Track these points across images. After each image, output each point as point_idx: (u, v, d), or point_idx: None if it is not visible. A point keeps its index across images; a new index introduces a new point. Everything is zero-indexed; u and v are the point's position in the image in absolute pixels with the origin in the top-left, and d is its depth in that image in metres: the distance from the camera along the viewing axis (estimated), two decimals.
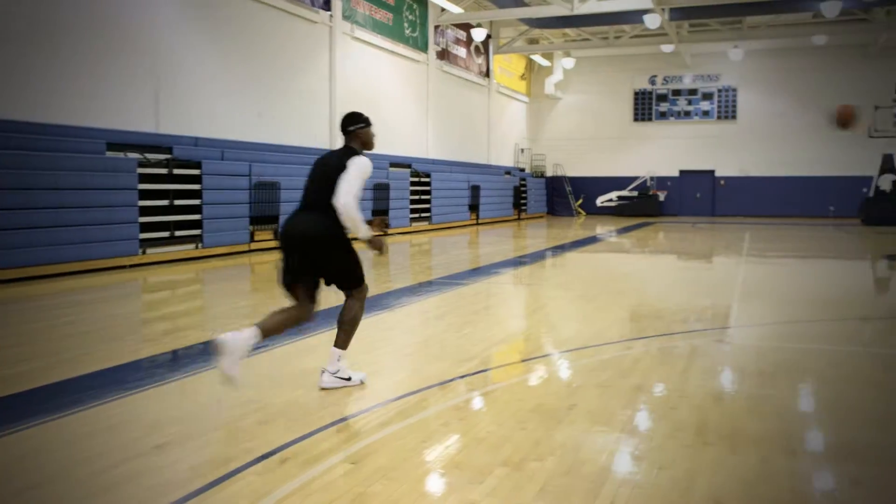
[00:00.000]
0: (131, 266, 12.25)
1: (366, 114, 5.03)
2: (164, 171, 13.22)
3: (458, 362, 5.76)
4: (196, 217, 13.84)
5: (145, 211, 12.67)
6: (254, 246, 15.34)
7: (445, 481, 3.41)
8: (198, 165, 13.89)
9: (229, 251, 14.62)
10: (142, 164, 12.73)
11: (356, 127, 4.91)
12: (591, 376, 5.37)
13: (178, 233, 13.47)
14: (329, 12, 19.09)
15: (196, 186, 13.83)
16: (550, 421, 4.28)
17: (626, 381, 5.21)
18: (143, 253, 12.67)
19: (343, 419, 4.32)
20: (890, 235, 21.99)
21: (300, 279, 4.80)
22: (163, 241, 13.19)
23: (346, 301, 4.95)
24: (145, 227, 12.70)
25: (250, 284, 11.98)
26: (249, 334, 4.53)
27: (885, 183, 26.79)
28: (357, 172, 4.68)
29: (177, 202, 13.42)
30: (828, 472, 3.57)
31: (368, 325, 7.38)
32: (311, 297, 4.88)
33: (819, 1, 23.08)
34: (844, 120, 5.62)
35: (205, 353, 5.76)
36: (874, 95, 28.64)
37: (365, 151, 4.92)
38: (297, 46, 18.24)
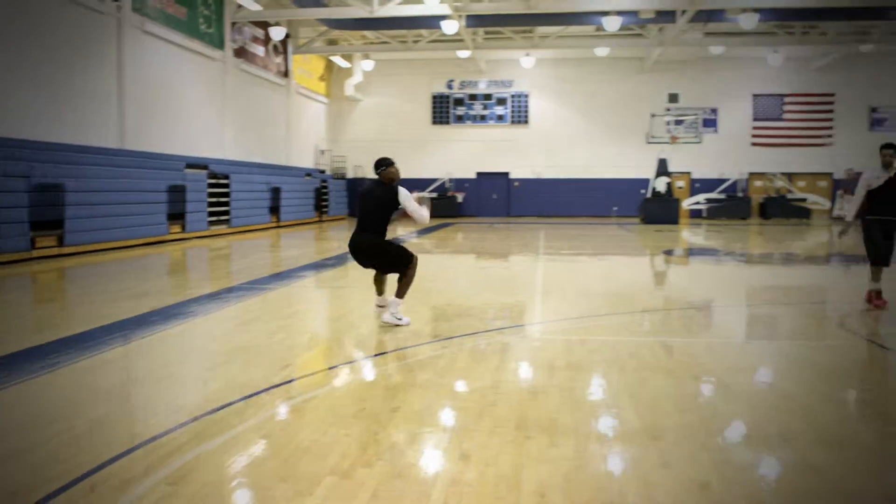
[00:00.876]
0: None
1: (386, 157, 7.66)
2: None
3: (274, 370, 5.59)
4: None
5: None
6: (36, 253, 14.09)
7: (273, 495, 3.28)
8: None
9: (7, 259, 13.33)
10: None
11: (380, 170, 7.60)
12: (411, 377, 5.40)
13: None
14: (117, 3, 17.92)
15: None
16: (375, 425, 4.24)
17: (445, 381, 5.28)
18: None
19: (154, 437, 4.03)
20: (666, 232, 23.95)
21: (371, 267, 7.57)
22: None
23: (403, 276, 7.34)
24: None
25: (31, 296, 10.98)
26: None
27: (660, 185, 29.19)
28: (409, 195, 7.45)
29: None
30: (639, 455, 3.78)
31: (174, 336, 7.00)
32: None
33: (601, 15, 24.72)
34: None
35: None
36: (650, 104, 31.15)
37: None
38: (83, 39, 16.96)
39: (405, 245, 7.76)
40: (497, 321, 7.86)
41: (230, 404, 4.62)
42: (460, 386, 5.15)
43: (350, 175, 35.57)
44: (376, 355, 6.14)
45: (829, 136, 34.05)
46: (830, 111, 34.07)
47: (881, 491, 3.38)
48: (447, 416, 4.46)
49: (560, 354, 6.15)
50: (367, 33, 30.68)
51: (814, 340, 7.35)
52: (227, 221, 22.47)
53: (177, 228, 19.47)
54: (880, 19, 25.14)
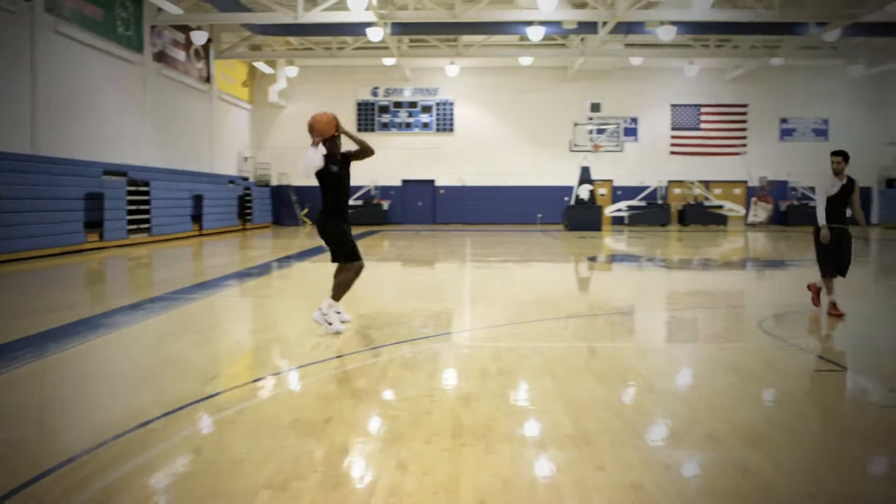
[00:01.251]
0: None
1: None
2: None
3: (201, 382, 5.46)
4: None
5: None
6: None
7: None
8: None
9: None
10: None
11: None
12: (343, 387, 5.35)
13: None
14: (29, 2, 17.27)
15: None
16: (309, 436, 4.18)
17: (378, 390, 5.25)
18: None
19: (73, 458, 3.86)
20: (589, 239, 24.38)
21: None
22: None
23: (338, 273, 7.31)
24: None
25: None
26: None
27: (583, 192, 29.70)
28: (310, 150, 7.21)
29: None
30: (574, 459, 3.82)
31: (93, 350, 6.78)
32: None
33: (525, 25, 25.06)
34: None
35: None
36: (573, 113, 31.66)
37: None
38: None
39: (355, 245, 7.44)
40: (427, 329, 7.85)
41: (156, 419, 4.49)
42: (393, 394, 5.12)
43: (274, 182, 35.08)
44: (306, 365, 6.05)
45: (744, 145, 35.26)
46: (744, 121, 35.30)
47: (804, 489, 3.50)
48: (382, 426, 4.43)
49: (491, 361, 6.18)
50: (292, 39, 30.39)
51: (735, 343, 7.57)
52: (147, 230, 21.88)
53: (94, 237, 18.85)
54: (788, 34, 26.19)
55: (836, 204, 8.50)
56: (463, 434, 4.20)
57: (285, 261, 16.74)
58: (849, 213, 8.64)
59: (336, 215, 7.28)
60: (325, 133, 7.05)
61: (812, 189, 33.79)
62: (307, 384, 5.51)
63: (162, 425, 4.37)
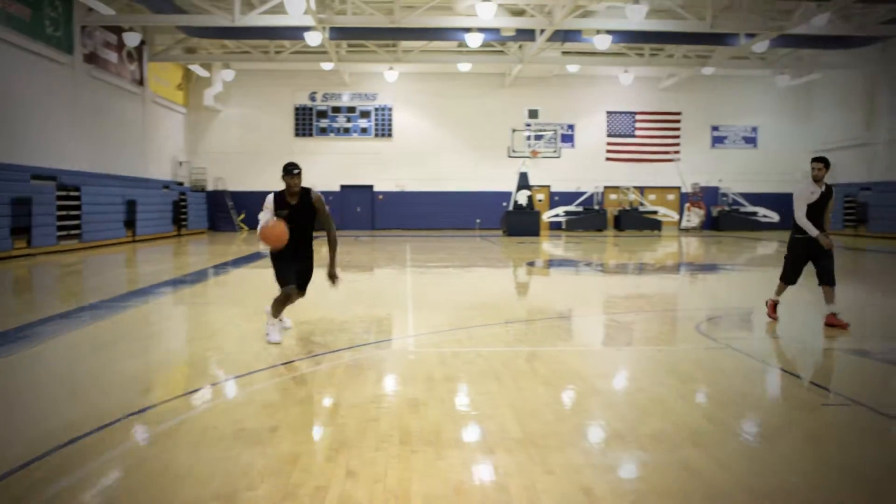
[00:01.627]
0: None
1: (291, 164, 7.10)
2: None
3: (140, 393, 5.33)
4: None
5: None
6: None
7: None
8: None
9: None
10: None
11: (281, 176, 7.09)
12: (288, 395, 5.27)
13: None
14: None
15: None
16: (255, 446, 4.11)
17: (324, 397, 5.20)
18: None
19: (6, 474, 3.73)
20: (527, 244, 24.60)
21: None
22: None
23: None
24: None
25: None
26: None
27: (521, 198, 29.99)
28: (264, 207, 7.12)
29: None
30: (524, 463, 3.85)
31: (24, 360, 6.56)
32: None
33: (464, 32, 25.19)
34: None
35: None
36: (511, 119, 31.97)
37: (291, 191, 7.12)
38: None
39: (280, 269, 7.34)
40: (370, 335, 7.81)
41: (91, 433, 4.35)
42: (339, 402, 5.08)
43: (210, 188, 34.49)
44: (249, 373, 5.95)
45: (677, 151, 36.05)
46: (677, 129, 36.10)
47: (747, 486, 3.58)
48: (329, 433, 4.39)
49: (436, 367, 6.18)
50: (228, 42, 29.96)
51: (673, 345, 7.73)
52: (78, 236, 21.27)
53: (22, 244, 18.24)
54: (719, 45, 26.91)
55: (816, 211, 8.20)
56: (412, 440, 4.19)
57: (222, 267, 16.46)
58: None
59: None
60: (275, 247, 7.10)
61: (743, 195, 34.79)
62: (251, 393, 5.42)
63: (97, 439, 4.25)
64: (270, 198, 7.16)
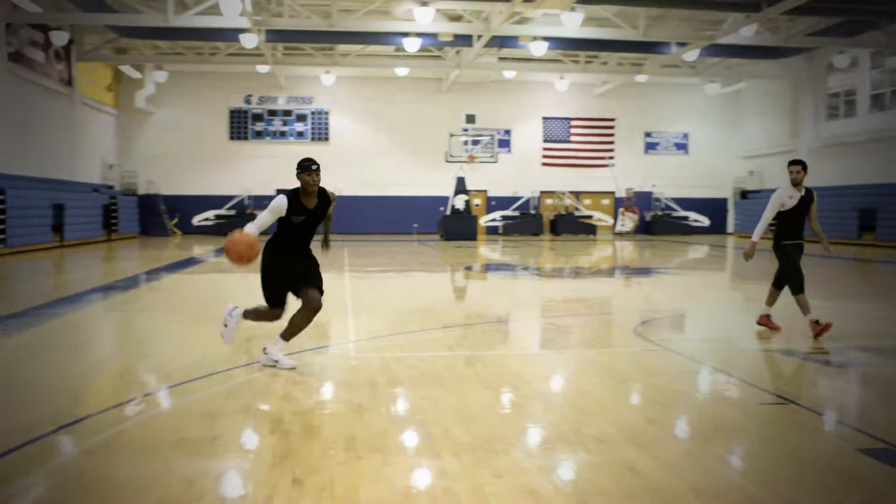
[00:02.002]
0: None
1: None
2: None
3: (73, 403, 5.18)
4: None
5: None
6: None
7: None
8: None
9: None
10: None
11: (297, 173, 6.09)
12: (228, 403, 5.18)
13: None
14: None
15: None
16: (196, 456, 4.03)
17: (266, 405, 5.13)
18: None
19: None
20: (465, 249, 24.71)
21: None
22: None
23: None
24: None
25: None
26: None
27: (459, 202, 30.10)
28: (267, 209, 5.99)
29: None
30: (471, 466, 3.85)
31: None
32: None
33: (401, 36, 25.20)
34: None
35: None
36: (448, 124, 32.05)
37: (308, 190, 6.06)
38: None
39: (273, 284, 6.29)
40: (311, 341, 7.73)
41: (22, 446, 4.20)
42: (282, 409, 5.01)
43: (142, 191, 33.69)
44: (188, 381, 5.82)
45: (611, 157, 36.67)
46: (612, 135, 36.74)
47: (688, 484, 3.66)
48: (273, 442, 4.33)
49: (378, 372, 6.15)
50: (160, 43, 29.34)
51: (611, 348, 7.86)
52: (2, 241, 20.53)
53: None
54: (652, 53, 27.52)
55: (795, 216, 7.83)
56: (357, 447, 4.16)
57: (155, 273, 16.09)
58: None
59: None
60: (237, 265, 5.79)
61: (675, 200, 35.58)
62: (190, 402, 5.30)
63: (29, 453, 4.10)
64: (283, 200, 5.96)
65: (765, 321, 8.14)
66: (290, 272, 6.16)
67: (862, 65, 28.37)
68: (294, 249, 6.21)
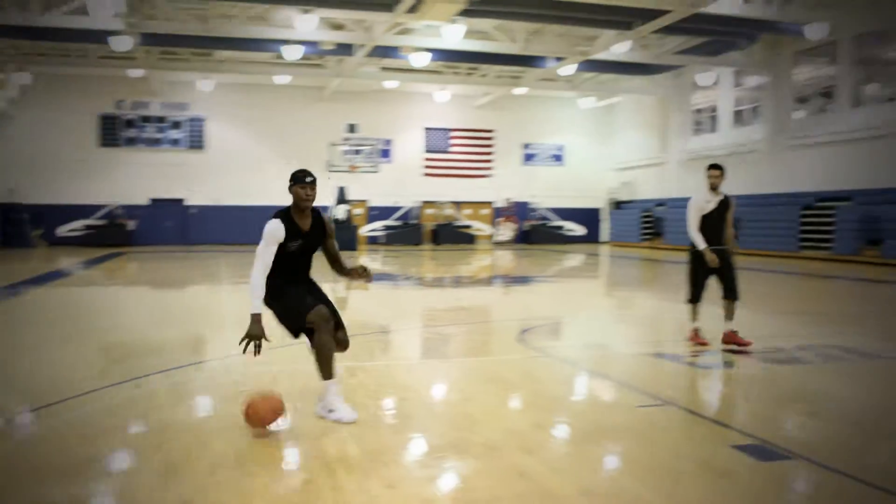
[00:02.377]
0: None
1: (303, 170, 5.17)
2: None
3: None
4: None
5: None
6: None
7: None
8: None
9: None
10: None
11: (288, 186, 5.16)
12: (107, 423, 4.96)
13: None
14: None
15: None
16: (74, 478, 3.84)
17: (147, 423, 4.94)
18: None
19: None
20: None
21: None
22: None
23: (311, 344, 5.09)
24: None
25: None
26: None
27: (340, 212, 29.92)
28: (262, 242, 4.99)
29: None
30: (362, 479, 3.84)
31: None
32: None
33: (281, 43, 24.83)
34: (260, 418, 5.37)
35: None
36: (329, 133, 31.77)
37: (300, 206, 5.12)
38: None
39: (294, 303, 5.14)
40: (190, 355, 7.51)
41: None
42: (164, 427, 4.84)
43: (3, 200, 31.71)
44: (61, 401, 5.52)
45: (490, 168, 37.35)
46: (491, 146, 37.42)
47: (578, 487, 3.79)
48: (157, 461, 4.17)
49: (267, 386, 6.04)
50: (23, 43, 27.73)
51: (495, 355, 8.02)
52: None
53: None
54: (529, 66, 28.25)
55: (714, 221, 7.73)
56: (246, 463, 4.08)
57: (24, 286, 15.19)
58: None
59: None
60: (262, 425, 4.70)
61: (552, 210, 36.57)
62: (63, 421, 5.03)
63: None
64: (276, 225, 5.06)
65: (732, 338, 7.70)
66: (307, 294, 5.23)
67: (724, 83, 30.09)
68: (299, 280, 5.30)
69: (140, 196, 33.21)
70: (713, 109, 31.19)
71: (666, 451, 4.43)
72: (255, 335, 4.82)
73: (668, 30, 21.81)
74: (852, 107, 24.06)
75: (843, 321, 10.30)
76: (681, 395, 6.05)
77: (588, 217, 37.46)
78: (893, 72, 23.23)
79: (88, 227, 31.28)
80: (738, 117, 29.77)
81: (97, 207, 31.94)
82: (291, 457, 4.27)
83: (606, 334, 9.35)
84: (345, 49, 25.91)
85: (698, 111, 32.21)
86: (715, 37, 24.02)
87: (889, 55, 23.30)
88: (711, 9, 19.20)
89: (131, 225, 32.15)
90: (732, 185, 28.65)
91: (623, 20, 21.43)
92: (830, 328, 9.42)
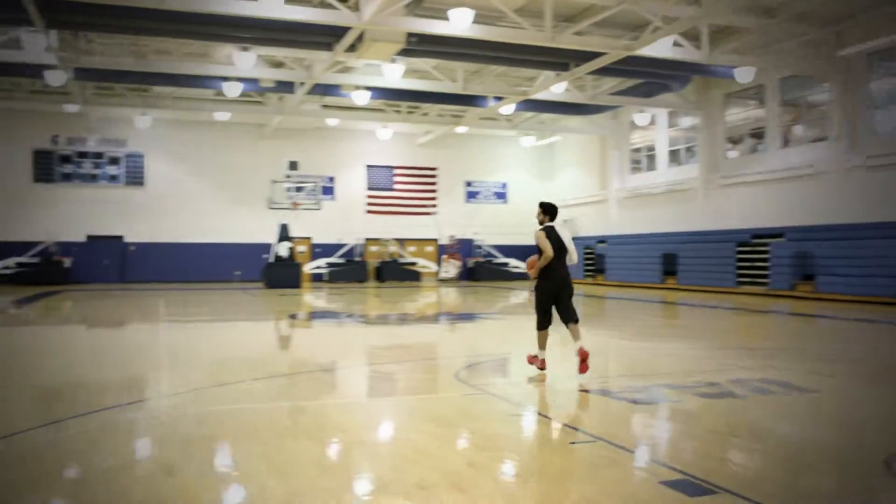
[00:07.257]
0: None
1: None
2: None
3: None
4: None
5: None
6: None
7: None
8: None
9: None
10: None
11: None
12: (23, 469, 4.74)
13: None
14: None
15: None
16: None
17: (69, 467, 4.75)
18: None
19: None
20: (289, 297, 24.28)
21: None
22: None
23: None
24: None
25: None
26: None
27: (282, 250, 29.61)
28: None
29: None
30: None
31: None
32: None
33: (221, 80, 24.66)
34: None
35: None
36: (271, 170, 31.51)
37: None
38: None
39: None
40: (120, 396, 7.28)
41: None
42: (88, 470, 4.66)
43: None
44: None
45: (434, 205, 37.50)
46: (434, 183, 37.61)
47: None
48: None
49: (194, 427, 5.88)
50: None
51: (434, 393, 7.95)
52: None
53: None
54: (470, 105, 28.52)
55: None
56: None
57: None
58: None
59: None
60: None
61: (496, 247, 36.78)
62: None
63: None
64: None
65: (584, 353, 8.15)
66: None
67: (660, 123, 30.85)
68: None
69: (77, 233, 32.44)
70: (651, 148, 31.92)
71: (595, 489, 4.41)
72: None
73: (604, 71, 22.29)
74: (781, 147, 24.88)
75: (776, 355, 10.50)
76: (614, 431, 6.05)
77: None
78: (818, 114, 24.10)
79: (21, 264, 30.37)
80: (675, 156, 30.49)
81: (32, 244, 31.08)
82: (212, 501, 4.13)
83: (547, 370, 9.35)
84: (286, 87, 25.84)
85: (636, 150, 32.91)
86: (649, 79, 24.63)
87: (813, 98, 24.21)
88: (645, 52, 19.68)
89: (67, 262, 31.30)
90: (671, 222, 29.37)
91: (559, 61, 21.84)
92: (763, 362, 9.59)
